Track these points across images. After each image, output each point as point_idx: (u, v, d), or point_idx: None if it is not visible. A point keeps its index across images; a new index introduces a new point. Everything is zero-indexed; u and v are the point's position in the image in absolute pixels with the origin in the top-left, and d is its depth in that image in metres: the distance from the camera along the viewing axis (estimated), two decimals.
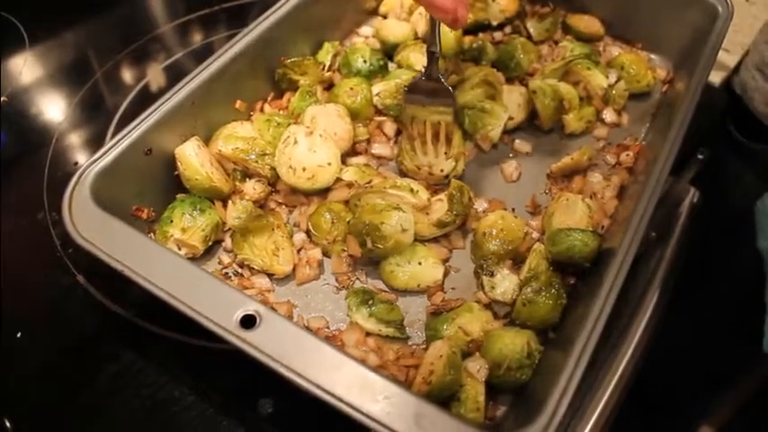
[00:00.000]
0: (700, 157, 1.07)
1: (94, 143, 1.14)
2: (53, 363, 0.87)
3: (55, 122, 1.18)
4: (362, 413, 0.63)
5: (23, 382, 0.85)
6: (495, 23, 1.22)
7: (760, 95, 1.12)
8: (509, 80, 1.14)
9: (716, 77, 1.20)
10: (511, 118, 1.08)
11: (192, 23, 1.37)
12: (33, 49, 1.32)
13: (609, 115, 1.11)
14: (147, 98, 1.21)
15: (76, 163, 1.11)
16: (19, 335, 0.89)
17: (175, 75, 1.26)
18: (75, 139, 1.16)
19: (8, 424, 0.81)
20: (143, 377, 0.84)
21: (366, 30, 1.25)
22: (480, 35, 1.22)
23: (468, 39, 1.20)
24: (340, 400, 0.64)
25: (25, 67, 1.29)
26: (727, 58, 1.24)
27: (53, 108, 1.21)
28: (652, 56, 1.22)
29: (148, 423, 0.81)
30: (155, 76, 1.27)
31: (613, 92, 1.12)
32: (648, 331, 0.86)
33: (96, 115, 1.19)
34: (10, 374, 0.86)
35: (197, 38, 1.35)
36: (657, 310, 0.88)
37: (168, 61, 1.29)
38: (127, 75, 1.27)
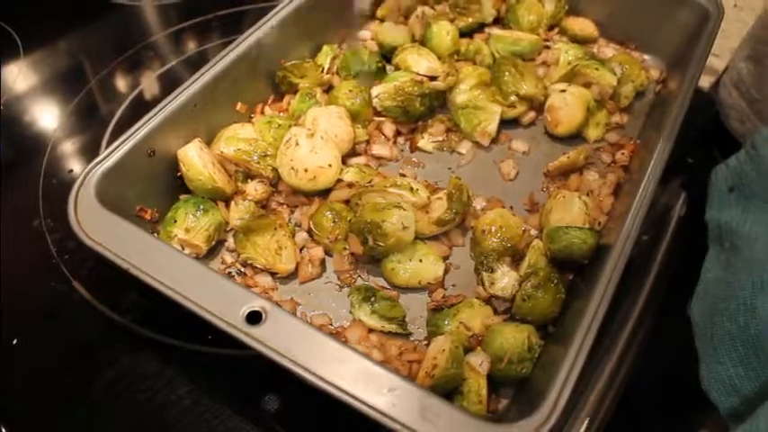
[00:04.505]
0: (690, 161, 1.09)
1: (90, 151, 1.14)
2: (50, 368, 0.87)
3: (50, 130, 1.18)
4: (368, 406, 0.64)
5: (20, 389, 0.85)
6: (490, 20, 1.25)
7: (736, 113, 1.11)
8: None
9: (704, 82, 1.21)
10: (513, 106, 1.10)
11: (185, 31, 1.38)
12: (28, 58, 1.33)
13: (615, 116, 1.14)
14: (141, 106, 1.22)
15: (71, 170, 1.11)
16: (15, 341, 0.89)
17: (169, 82, 1.27)
18: (70, 146, 1.16)
19: (4, 430, 0.81)
20: (139, 382, 0.85)
21: (364, 33, 1.26)
22: (476, 37, 1.24)
23: (464, 41, 1.23)
24: (346, 393, 0.65)
25: (20, 75, 1.29)
26: (716, 62, 1.25)
27: (48, 116, 1.21)
28: (645, 56, 1.24)
29: (145, 427, 0.82)
30: (149, 84, 1.27)
31: (621, 89, 1.13)
32: (642, 334, 0.86)
33: (91, 123, 1.19)
34: (6, 380, 0.86)
35: (191, 46, 1.35)
36: (651, 312, 0.89)
37: (162, 69, 1.30)
38: (121, 83, 1.27)
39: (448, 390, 0.77)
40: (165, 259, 0.75)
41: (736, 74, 1.11)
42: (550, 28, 1.27)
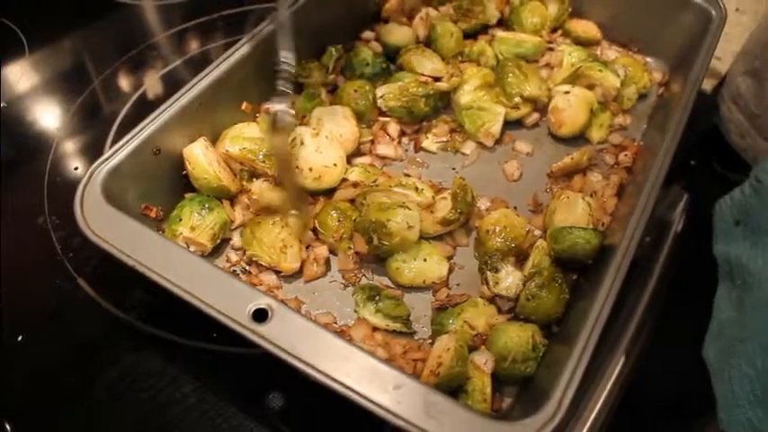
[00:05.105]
0: (692, 163, 1.09)
1: (94, 149, 1.15)
2: (54, 366, 0.87)
3: (54, 129, 1.19)
4: (373, 403, 0.65)
5: (24, 385, 0.85)
6: (493, 22, 1.26)
7: (735, 127, 1.10)
8: None
9: (707, 85, 1.21)
10: (516, 107, 1.10)
11: (189, 31, 1.38)
12: (33, 56, 1.33)
13: (618, 118, 1.14)
14: (145, 105, 1.22)
15: (77, 168, 1.11)
16: (20, 338, 0.89)
17: (173, 83, 1.27)
18: (74, 145, 1.16)
19: (8, 427, 0.81)
20: (143, 380, 0.85)
21: (368, 34, 1.26)
22: (480, 38, 1.24)
23: (468, 42, 1.23)
24: (351, 390, 0.65)
25: (24, 74, 1.29)
26: (719, 65, 1.26)
27: (52, 115, 1.22)
28: (648, 59, 1.25)
29: (149, 425, 0.82)
30: (152, 83, 1.27)
31: (624, 91, 1.14)
32: (645, 334, 0.86)
33: (95, 122, 1.20)
34: (10, 377, 0.86)
35: (194, 46, 1.36)
36: (654, 313, 0.89)
37: (165, 69, 1.30)
38: (124, 82, 1.28)
39: (452, 388, 0.77)
40: (171, 257, 0.76)
41: (735, 88, 1.10)
42: (554, 30, 1.27)
